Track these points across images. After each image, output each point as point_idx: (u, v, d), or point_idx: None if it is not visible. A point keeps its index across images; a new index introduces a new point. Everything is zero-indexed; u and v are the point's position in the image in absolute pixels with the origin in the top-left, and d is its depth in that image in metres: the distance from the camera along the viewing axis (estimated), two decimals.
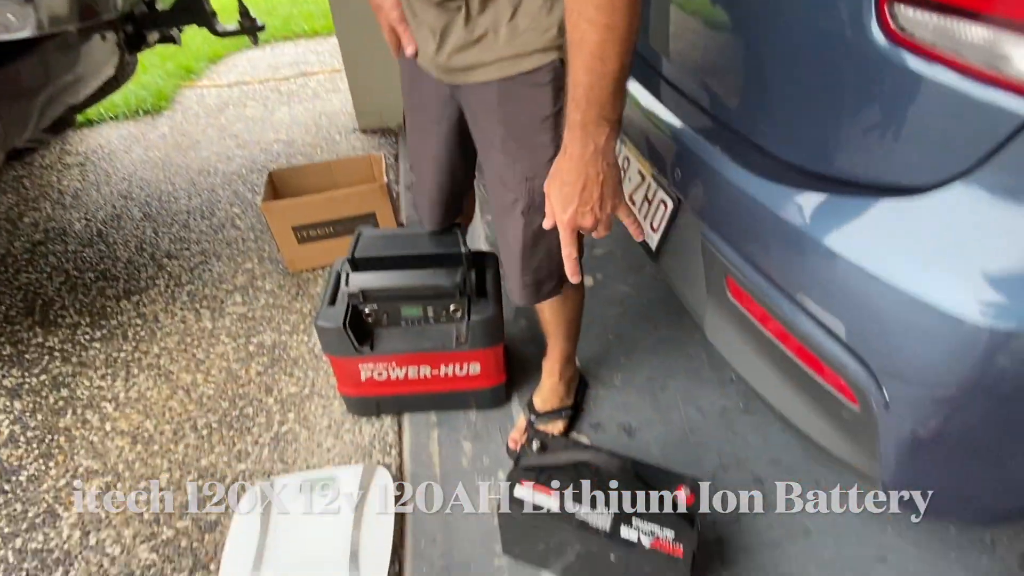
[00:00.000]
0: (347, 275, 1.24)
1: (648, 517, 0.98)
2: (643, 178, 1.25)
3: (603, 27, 0.68)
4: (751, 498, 1.24)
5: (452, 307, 1.28)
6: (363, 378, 1.35)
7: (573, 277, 0.86)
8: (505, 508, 1.02)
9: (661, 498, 0.98)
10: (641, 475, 1.00)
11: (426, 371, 1.34)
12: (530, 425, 1.13)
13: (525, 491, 1.03)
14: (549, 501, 1.01)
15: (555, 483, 1.04)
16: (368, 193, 1.83)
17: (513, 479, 1.05)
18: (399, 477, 1.35)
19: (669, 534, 0.96)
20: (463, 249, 1.25)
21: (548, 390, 1.38)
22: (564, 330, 1.26)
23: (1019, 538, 1.10)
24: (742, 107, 0.99)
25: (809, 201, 0.85)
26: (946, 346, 0.70)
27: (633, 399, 1.46)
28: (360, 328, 1.30)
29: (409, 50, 1.01)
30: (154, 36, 2.25)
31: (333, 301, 1.30)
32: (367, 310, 1.29)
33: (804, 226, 0.83)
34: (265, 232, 2.16)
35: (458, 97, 1.02)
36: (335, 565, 1.15)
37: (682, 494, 1.00)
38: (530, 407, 1.40)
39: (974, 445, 0.79)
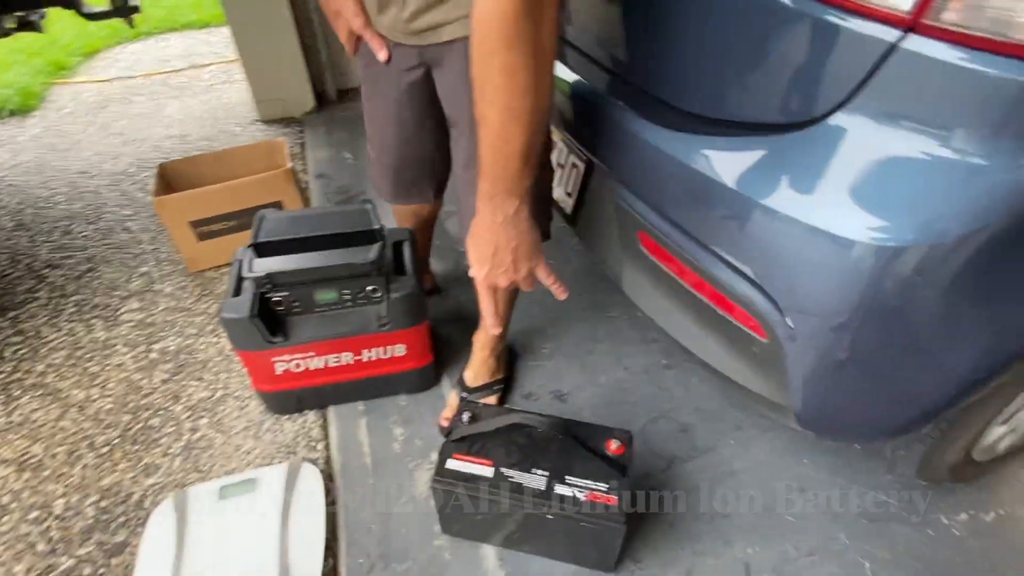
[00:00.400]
0: (250, 261, 1.16)
1: (581, 472, 0.98)
2: (554, 143, 1.25)
3: (502, 108, 0.67)
4: (679, 446, 1.28)
5: (369, 287, 1.23)
6: (279, 372, 1.27)
7: (492, 329, 0.88)
8: (438, 484, 0.99)
9: (593, 452, 0.99)
10: (573, 433, 1.00)
11: (347, 358, 1.28)
12: (462, 402, 1.10)
13: (458, 464, 1.01)
14: (483, 470, 0.99)
15: (488, 452, 1.02)
16: (272, 180, 1.72)
17: (445, 453, 1.02)
18: (327, 471, 1.28)
19: (603, 485, 0.96)
20: (376, 225, 1.20)
21: (479, 364, 1.36)
22: (504, 307, 1.24)
23: (911, 451, 1.21)
24: (639, 61, 1.00)
25: (708, 146, 0.87)
26: (839, 268, 0.74)
27: (562, 366, 1.47)
28: (271, 318, 1.22)
29: (382, 55, 1.02)
30: (10, 22, 2.00)
31: (238, 291, 1.21)
32: (276, 298, 1.21)
33: (706, 170, 0.86)
34: (161, 232, 1.99)
35: (427, 60, 1.00)
36: (263, 571, 1.08)
37: (613, 445, 1.01)
38: (461, 384, 1.37)
39: (872, 364, 0.84)
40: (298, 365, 1.27)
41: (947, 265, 0.70)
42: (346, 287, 1.23)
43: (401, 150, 1.17)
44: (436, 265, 1.77)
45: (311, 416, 1.39)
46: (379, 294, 1.23)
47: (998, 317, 0.76)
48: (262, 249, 1.18)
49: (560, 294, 0.84)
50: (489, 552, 1.12)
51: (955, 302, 0.74)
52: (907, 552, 1.10)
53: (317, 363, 1.27)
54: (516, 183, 0.74)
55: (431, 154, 1.19)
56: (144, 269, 1.86)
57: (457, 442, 1.04)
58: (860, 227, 0.72)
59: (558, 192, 1.27)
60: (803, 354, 0.84)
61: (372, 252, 1.16)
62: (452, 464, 1.00)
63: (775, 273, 0.81)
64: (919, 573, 1.07)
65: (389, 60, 1.03)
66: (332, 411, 1.40)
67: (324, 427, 1.38)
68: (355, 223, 1.21)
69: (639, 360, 1.48)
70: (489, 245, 0.77)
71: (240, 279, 1.23)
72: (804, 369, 0.85)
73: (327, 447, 1.33)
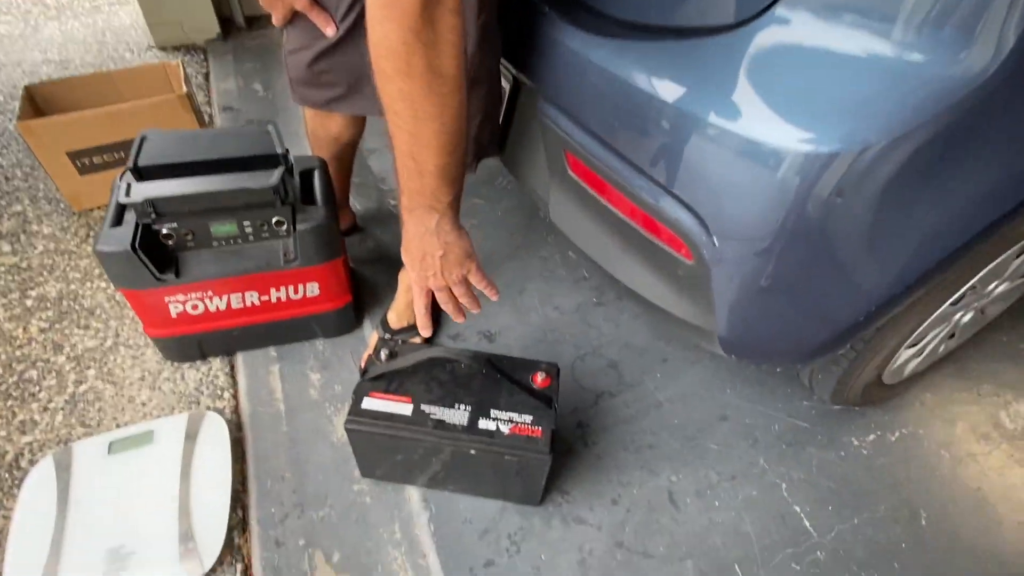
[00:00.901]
0: (128, 186, 1.01)
1: (505, 406, 0.94)
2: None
3: (408, 133, 0.65)
4: (607, 381, 1.27)
5: (274, 219, 1.11)
6: (174, 314, 1.14)
7: (423, 330, 0.85)
8: (353, 424, 0.92)
9: (518, 385, 0.95)
10: (497, 367, 0.95)
11: (253, 298, 1.17)
12: (380, 340, 1.02)
13: (374, 402, 0.94)
14: (401, 407, 0.93)
15: (407, 389, 0.96)
16: (165, 106, 1.52)
17: (360, 392, 0.95)
18: (236, 421, 1.18)
19: (527, 418, 0.93)
20: (280, 148, 1.08)
21: (404, 305, 1.28)
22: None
23: (827, 377, 1.24)
24: None
25: (633, 52, 0.81)
26: (766, 180, 0.71)
27: (491, 306, 1.41)
28: (160, 253, 1.08)
29: (329, 31, 0.96)
30: None
31: (119, 222, 1.06)
32: (165, 229, 1.07)
33: (630, 79, 0.79)
34: (38, 167, 1.75)
35: None
36: (161, 528, 0.99)
37: (539, 378, 0.97)
38: (384, 326, 1.29)
39: (795, 285, 0.83)
40: (196, 307, 1.14)
41: (876, 173, 0.68)
42: (246, 218, 1.10)
43: (330, 44, 1.00)
44: (357, 203, 1.65)
45: (216, 363, 1.27)
46: (285, 227, 1.12)
47: (921, 227, 0.76)
48: (143, 173, 1.03)
49: (492, 296, 0.84)
50: (412, 493, 1.08)
51: (883, 213, 0.72)
52: (820, 472, 1.14)
53: (218, 304, 1.15)
54: (434, 199, 0.72)
55: (358, 62, 1.04)
56: (17, 208, 1.63)
57: (374, 380, 0.96)
58: (787, 135, 0.68)
59: None
60: (728, 276, 0.81)
61: (274, 177, 1.04)
62: (368, 403, 0.93)
63: (703, 190, 0.77)
64: (830, 491, 1.11)
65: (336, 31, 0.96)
66: (240, 358, 1.29)
67: (232, 375, 1.27)
68: (254, 146, 1.08)
69: (570, 299, 1.44)
70: (418, 252, 0.77)
71: (121, 208, 1.08)
72: (729, 292, 0.83)
73: (235, 396, 1.23)
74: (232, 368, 1.28)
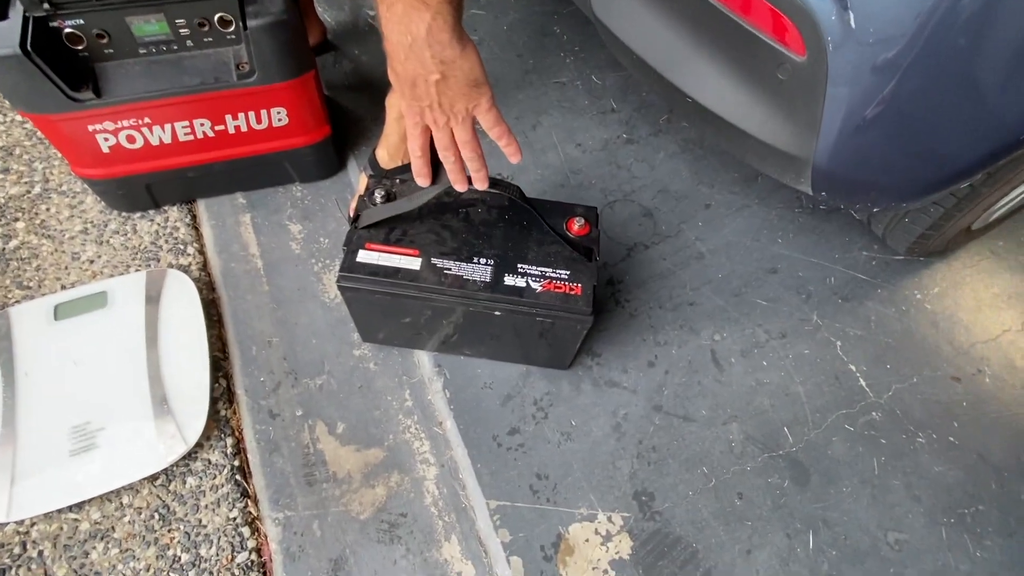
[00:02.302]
0: None
1: (536, 258, 0.76)
2: None
3: None
4: (641, 231, 1.09)
5: (216, 15, 0.82)
6: (105, 148, 0.90)
7: (419, 178, 0.68)
8: (347, 282, 0.74)
9: (550, 232, 0.76)
10: (524, 210, 0.75)
11: (205, 128, 0.92)
12: (371, 180, 0.81)
13: (372, 255, 0.75)
14: (407, 262, 0.75)
15: (413, 240, 0.76)
16: None
17: (354, 244, 0.76)
18: (206, 279, 1.00)
19: (563, 272, 0.75)
20: None
21: (396, 140, 1.03)
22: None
23: (911, 225, 1.06)
24: None
25: None
26: None
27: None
28: (70, 65, 0.81)
29: None
30: None
31: (3, 15, 0.78)
32: (68, 28, 0.79)
33: None
34: None
35: None
36: (129, 393, 0.85)
37: (576, 225, 0.78)
38: (372, 166, 1.06)
39: (932, 96, 0.61)
40: (132, 138, 0.90)
41: None
42: (179, 15, 0.81)
43: None
44: (326, 13, 1.31)
45: (174, 213, 1.06)
46: (233, 27, 0.83)
47: None
48: None
49: (513, 156, 0.64)
50: (422, 358, 0.94)
51: None
52: (879, 328, 1.02)
53: (161, 136, 0.90)
54: None
55: None
56: None
57: (370, 229, 0.77)
58: None
59: None
60: (854, 79, 0.59)
61: None
62: (365, 256, 0.75)
63: None
64: (889, 348, 1.00)
65: None
66: (203, 206, 1.07)
67: (195, 227, 1.06)
68: None
69: (594, 134, 1.20)
70: (406, 76, 0.56)
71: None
72: (849, 103, 0.61)
73: (201, 251, 1.03)
74: (194, 219, 1.06)
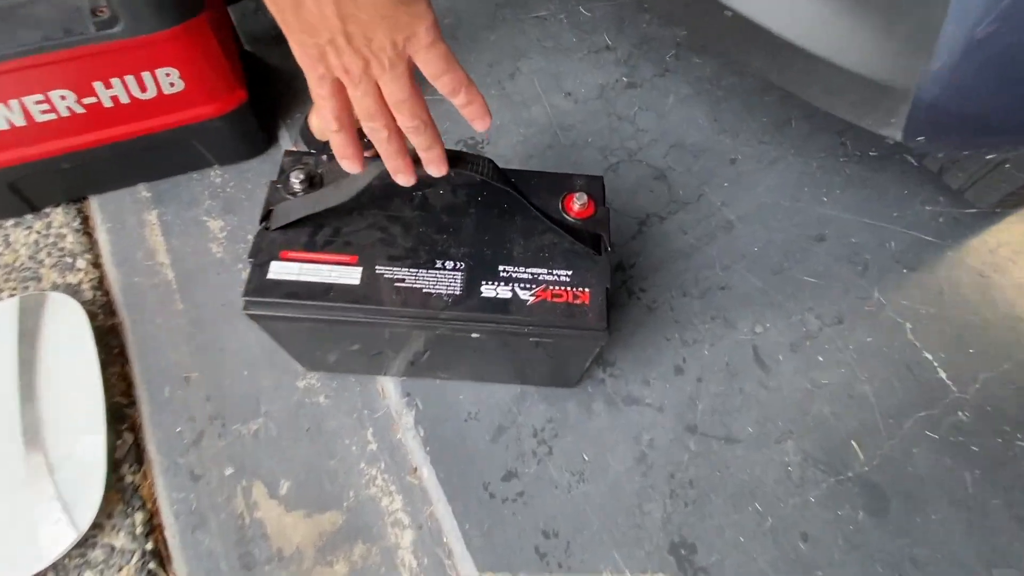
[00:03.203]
0: None
1: (523, 256, 0.54)
2: None
3: None
4: (654, 198, 0.87)
5: None
6: None
7: (344, 162, 0.45)
8: (255, 309, 0.52)
9: (541, 216, 0.54)
10: (506, 189, 0.53)
11: (68, 101, 0.68)
12: (287, 156, 0.59)
13: (290, 268, 0.53)
14: (341, 274, 0.53)
15: (349, 239, 0.54)
16: None
17: (263, 252, 0.53)
18: (103, 301, 0.78)
19: (562, 274, 0.54)
20: None
21: None
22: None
23: (1003, 176, 0.85)
24: None
25: None
26: None
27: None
28: None
29: None
30: None
31: None
32: None
33: None
34: None
35: None
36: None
37: (576, 204, 0.56)
38: (306, 137, 0.83)
39: None
40: None
41: None
42: None
43: None
44: None
45: (58, 216, 0.83)
46: None
47: None
48: None
49: (477, 120, 0.43)
50: (386, 385, 0.73)
51: None
52: (955, 302, 0.82)
53: (8, 117, 0.67)
54: None
55: None
56: None
57: (287, 230, 0.54)
58: None
59: None
60: None
61: None
62: (279, 271, 0.53)
63: None
64: (970, 327, 0.80)
65: None
66: (95, 205, 0.84)
67: (86, 232, 0.83)
68: None
69: (587, 79, 0.97)
70: None
71: None
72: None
73: (96, 263, 0.80)
74: (86, 222, 0.83)
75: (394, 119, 0.40)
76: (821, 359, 0.77)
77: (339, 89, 0.39)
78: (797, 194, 0.89)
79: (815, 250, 0.85)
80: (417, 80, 0.39)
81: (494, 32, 1.01)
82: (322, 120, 0.42)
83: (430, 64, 0.38)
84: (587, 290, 0.53)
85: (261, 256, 0.53)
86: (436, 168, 0.44)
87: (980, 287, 0.83)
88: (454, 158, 0.47)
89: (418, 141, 0.42)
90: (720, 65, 0.99)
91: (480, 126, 0.43)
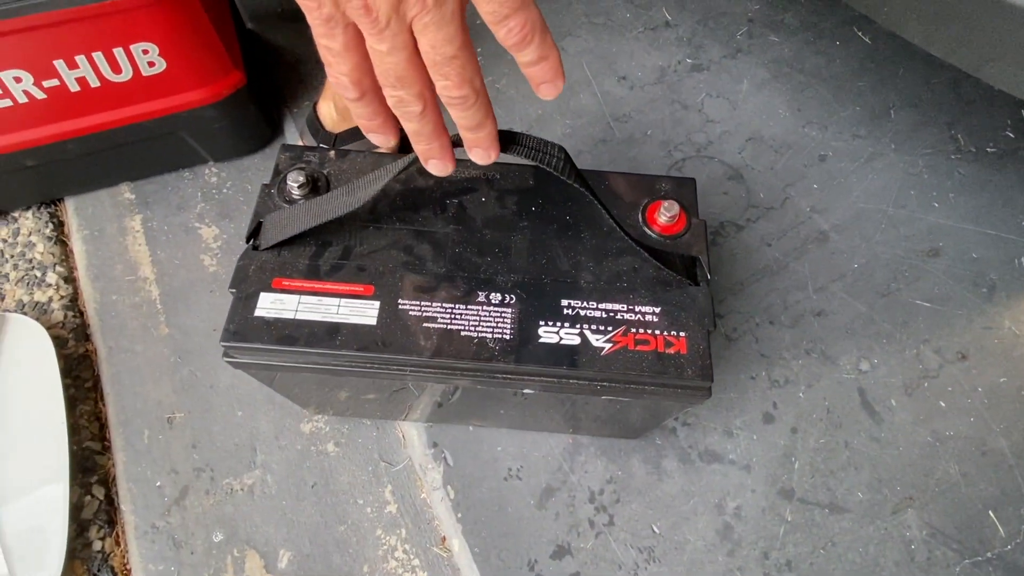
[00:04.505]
0: None
1: (596, 286, 0.41)
2: None
3: None
4: (730, 203, 0.72)
5: None
6: None
7: (373, 135, 0.32)
8: (239, 354, 0.39)
9: (620, 230, 0.40)
10: (564, 191, 0.39)
11: (25, 84, 0.56)
12: (284, 151, 0.46)
13: (285, 301, 0.40)
14: (351, 308, 0.39)
15: (362, 263, 0.41)
16: None
17: (251, 282, 0.40)
18: (77, 322, 0.66)
19: (649, 311, 0.40)
20: None
21: None
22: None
23: None
24: None
25: None
26: None
27: (511, 85, 0.80)
28: None
29: None
30: None
31: None
32: None
33: None
34: None
35: None
36: None
37: (663, 216, 0.42)
38: (313, 128, 0.70)
39: None
40: None
41: None
42: None
43: None
44: None
45: (28, 222, 0.71)
46: None
47: None
48: None
49: (548, 81, 0.28)
50: (410, 431, 0.60)
51: None
52: None
53: None
54: None
55: None
56: None
57: (281, 250, 0.41)
58: None
59: None
60: None
61: None
62: (268, 304, 0.39)
63: None
64: None
65: None
66: (70, 207, 0.72)
67: (59, 240, 0.71)
68: None
69: (644, 61, 0.82)
70: None
71: None
72: None
73: (69, 277, 0.68)
74: (60, 228, 0.72)
75: (431, 85, 0.27)
76: (943, 405, 0.62)
77: (356, 41, 0.26)
78: (902, 199, 0.73)
79: (929, 268, 0.69)
80: None
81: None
82: (337, 85, 0.29)
83: (435, 32, 0.25)
84: (683, 334, 0.39)
85: (247, 285, 0.40)
86: (485, 153, 0.31)
87: None
88: (508, 140, 0.33)
89: (465, 117, 0.28)
90: (802, 43, 0.84)
91: (548, 92, 0.29)
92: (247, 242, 0.41)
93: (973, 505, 0.58)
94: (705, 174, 0.74)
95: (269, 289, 0.39)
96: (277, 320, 0.39)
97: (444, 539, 0.56)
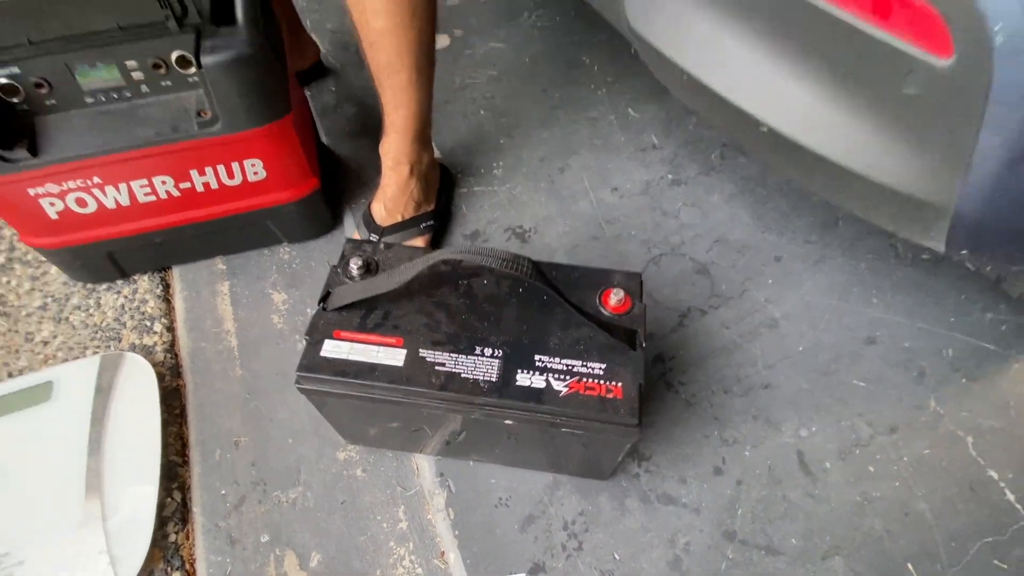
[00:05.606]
0: None
1: (559, 347, 0.56)
2: None
3: None
4: (696, 292, 0.88)
5: (173, 53, 0.69)
6: (53, 214, 0.76)
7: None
8: (306, 384, 0.56)
9: (579, 311, 0.56)
10: (544, 281, 0.56)
11: (168, 186, 0.78)
12: (349, 244, 0.64)
13: (341, 347, 0.57)
14: (387, 355, 0.56)
15: (398, 323, 0.58)
16: None
17: (319, 331, 0.58)
18: (172, 363, 0.84)
19: (597, 367, 0.55)
20: None
21: (395, 190, 0.87)
22: (411, 58, 0.72)
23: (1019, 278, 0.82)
24: None
25: None
26: None
27: (522, 192, 1.00)
28: (7, 120, 0.69)
29: None
30: None
31: None
32: (3, 79, 0.66)
33: None
34: None
35: None
36: (59, 514, 0.68)
37: (613, 299, 0.59)
38: (368, 223, 0.90)
39: None
40: (82, 202, 0.76)
41: None
42: (130, 54, 0.68)
43: None
44: (319, 28, 1.19)
45: (144, 283, 0.92)
46: (192, 68, 0.70)
47: None
48: None
49: None
50: (422, 463, 0.75)
51: None
52: (1022, 417, 0.77)
53: (116, 197, 0.77)
54: None
55: None
56: None
57: (341, 312, 0.59)
58: None
59: None
60: None
61: None
62: (331, 349, 0.57)
63: None
64: None
65: None
66: (176, 274, 0.93)
67: (165, 298, 0.91)
68: None
69: (633, 176, 1.02)
70: None
71: None
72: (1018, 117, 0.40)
73: (170, 327, 0.88)
74: (167, 289, 0.92)
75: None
76: (872, 469, 0.73)
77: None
78: (845, 295, 0.88)
79: (865, 353, 0.82)
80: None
81: (548, 130, 1.08)
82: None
83: None
84: (620, 384, 0.54)
85: (316, 334, 0.57)
86: None
87: None
88: (500, 258, 0.50)
89: None
90: (765, 165, 1.02)
91: None
92: (319, 304, 0.59)
93: (894, 558, 0.68)
94: (677, 268, 0.91)
95: (331, 338, 0.57)
96: (335, 359, 0.56)
97: (443, 553, 0.69)
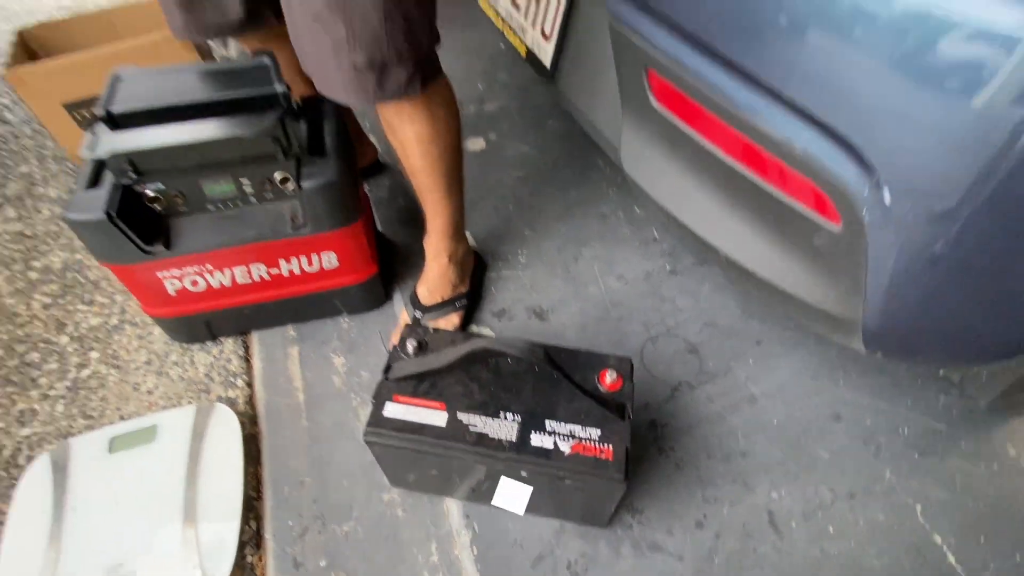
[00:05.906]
0: (98, 137, 0.82)
1: (565, 415, 0.73)
2: None
3: None
4: (686, 369, 1.04)
5: (278, 175, 0.90)
6: (172, 291, 0.97)
7: None
8: (373, 436, 0.73)
9: (580, 388, 0.73)
10: (554, 363, 0.73)
11: (261, 271, 0.98)
12: (407, 328, 0.83)
13: (399, 409, 0.74)
14: (433, 416, 0.73)
15: (441, 391, 0.76)
16: (165, 44, 1.32)
17: (382, 396, 0.76)
18: (250, 413, 1.03)
19: (593, 432, 0.71)
20: (278, 87, 0.86)
21: (435, 276, 1.07)
22: (442, 180, 0.92)
23: (998, 378, 0.95)
24: None
25: None
26: (993, 89, 0.44)
27: (542, 276, 1.19)
28: (147, 221, 0.90)
29: None
30: None
31: (96, 182, 0.89)
32: (151, 192, 0.89)
33: None
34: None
35: None
36: (163, 535, 0.85)
37: (608, 378, 0.75)
38: (414, 302, 1.09)
39: (997, 258, 0.57)
40: (195, 283, 0.97)
41: None
42: (244, 174, 0.90)
43: None
44: (375, 130, 1.43)
45: (229, 345, 1.11)
46: (291, 185, 0.91)
47: None
48: (118, 120, 0.84)
49: None
50: (452, 507, 0.90)
51: None
52: (967, 491, 0.89)
53: (221, 279, 0.98)
54: None
55: None
56: (24, 169, 1.49)
57: (400, 381, 0.77)
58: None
59: (530, 36, 0.92)
60: (897, 247, 0.55)
61: (266, 120, 0.82)
62: (391, 410, 0.74)
63: (873, 115, 0.51)
64: (981, 516, 0.87)
65: None
66: (255, 338, 1.12)
67: (246, 358, 1.11)
68: (251, 84, 0.87)
69: (636, 266, 1.20)
70: None
71: (99, 167, 0.90)
72: (893, 268, 0.57)
73: (249, 383, 1.07)
74: (247, 350, 1.12)
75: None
76: (831, 530, 0.86)
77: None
78: (816, 376, 1.02)
79: (831, 428, 0.96)
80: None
81: (564, 224, 1.28)
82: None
83: None
84: (610, 447, 0.70)
85: (380, 398, 0.75)
86: None
87: (993, 479, 0.90)
88: (517, 347, 0.68)
89: None
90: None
91: None
92: (383, 375, 0.77)
93: None
94: (672, 347, 1.07)
95: (392, 401, 0.74)
96: (394, 419, 0.73)
97: None
